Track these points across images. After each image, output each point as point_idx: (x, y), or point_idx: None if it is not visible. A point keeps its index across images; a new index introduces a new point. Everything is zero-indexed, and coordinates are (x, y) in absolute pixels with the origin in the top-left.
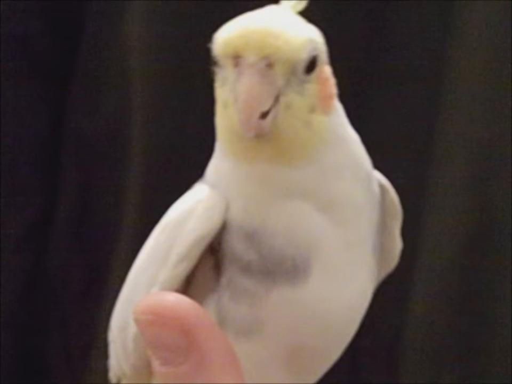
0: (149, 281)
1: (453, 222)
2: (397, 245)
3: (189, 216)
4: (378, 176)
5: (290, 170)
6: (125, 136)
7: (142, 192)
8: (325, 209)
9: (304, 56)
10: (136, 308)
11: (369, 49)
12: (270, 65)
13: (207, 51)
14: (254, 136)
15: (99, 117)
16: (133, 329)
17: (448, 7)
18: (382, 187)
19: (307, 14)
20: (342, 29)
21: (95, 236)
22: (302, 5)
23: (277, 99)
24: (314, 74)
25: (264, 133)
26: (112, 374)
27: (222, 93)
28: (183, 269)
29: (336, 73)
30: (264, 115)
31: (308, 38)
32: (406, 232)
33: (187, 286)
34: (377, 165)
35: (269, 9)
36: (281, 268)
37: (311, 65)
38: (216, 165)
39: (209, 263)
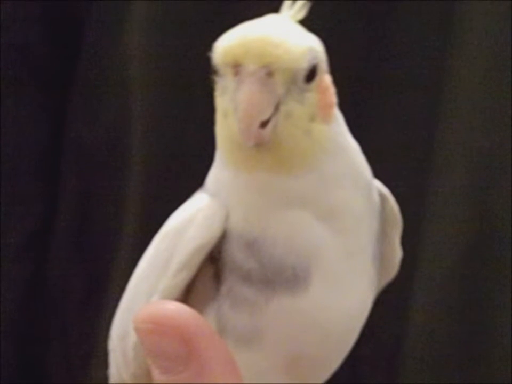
0: (149, 290)
1: (453, 231)
2: (397, 253)
3: (189, 224)
4: (378, 184)
5: (290, 179)
6: (125, 145)
7: (142, 201)
8: (325, 218)
9: (304, 65)
10: (136, 317)
11: (369, 58)
12: (270, 74)
13: (207, 60)
14: (254, 145)
15: (99, 126)
16: (133, 338)
17: (448, 16)
18: (382, 196)
19: (307, 23)
20: (342, 38)
21: (95, 244)
22: (302, 14)
23: (277, 108)
24: (314, 83)
25: (264, 142)
26: (112, 383)
27: (222, 102)
28: (183, 277)
29: (336, 82)
30: (264, 124)
31: (308, 47)
32: (406, 241)
33: (187, 295)
34: (377, 174)
35: (269, 18)
36: (281, 277)
37: (311, 74)
38: (216, 174)
39: (209, 272)
